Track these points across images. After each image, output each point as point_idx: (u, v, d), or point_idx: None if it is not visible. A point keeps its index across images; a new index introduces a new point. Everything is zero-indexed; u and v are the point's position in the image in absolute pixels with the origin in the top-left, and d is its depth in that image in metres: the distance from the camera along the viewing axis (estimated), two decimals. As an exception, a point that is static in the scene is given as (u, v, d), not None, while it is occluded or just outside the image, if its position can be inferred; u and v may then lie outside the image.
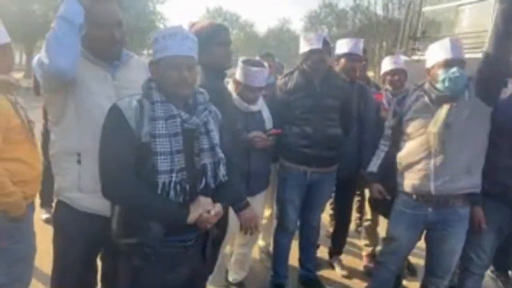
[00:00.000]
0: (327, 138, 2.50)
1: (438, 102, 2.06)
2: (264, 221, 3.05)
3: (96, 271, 1.82)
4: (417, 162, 2.10)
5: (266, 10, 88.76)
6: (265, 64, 2.38)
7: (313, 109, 2.48)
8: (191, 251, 1.48)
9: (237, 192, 1.82)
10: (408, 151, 2.16)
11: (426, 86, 2.13)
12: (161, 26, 20.25)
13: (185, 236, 1.44)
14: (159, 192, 1.33)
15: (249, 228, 1.93)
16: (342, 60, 2.83)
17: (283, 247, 2.77)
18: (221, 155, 1.46)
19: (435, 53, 2.08)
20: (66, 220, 1.65)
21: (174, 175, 1.34)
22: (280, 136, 2.48)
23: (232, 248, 2.73)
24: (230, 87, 2.37)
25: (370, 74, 3.50)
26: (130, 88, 1.55)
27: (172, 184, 1.34)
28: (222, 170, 1.46)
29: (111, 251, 1.51)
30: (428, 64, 2.12)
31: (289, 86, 2.55)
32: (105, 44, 1.57)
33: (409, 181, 2.15)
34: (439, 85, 2.04)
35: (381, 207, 2.48)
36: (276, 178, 2.74)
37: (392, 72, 2.98)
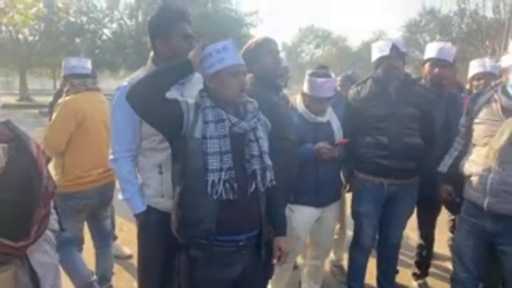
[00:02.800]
0: (405, 147, 2.36)
1: (509, 111, 1.82)
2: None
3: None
4: (475, 173, 1.91)
5: (360, 24, 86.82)
6: (332, 75, 2.39)
7: (388, 118, 2.37)
8: (244, 251, 1.57)
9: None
10: (470, 159, 1.98)
11: (499, 89, 1.91)
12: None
13: (236, 236, 1.54)
14: (208, 189, 1.45)
15: None
16: (426, 66, 2.68)
17: (359, 265, 2.66)
18: (269, 162, 1.56)
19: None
20: (151, 220, 1.88)
21: (223, 173, 1.46)
22: (352, 147, 2.43)
23: (305, 260, 2.73)
24: (298, 99, 2.43)
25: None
26: None
27: (222, 182, 1.45)
28: (269, 176, 1.55)
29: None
30: (504, 64, 1.93)
31: (362, 95, 2.49)
32: (186, 54, 1.75)
33: (468, 189, 1.97)
34: (509, 89, 1.83)
35: (453, 208, 2.33)
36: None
37: (477, 76, 2.73)
